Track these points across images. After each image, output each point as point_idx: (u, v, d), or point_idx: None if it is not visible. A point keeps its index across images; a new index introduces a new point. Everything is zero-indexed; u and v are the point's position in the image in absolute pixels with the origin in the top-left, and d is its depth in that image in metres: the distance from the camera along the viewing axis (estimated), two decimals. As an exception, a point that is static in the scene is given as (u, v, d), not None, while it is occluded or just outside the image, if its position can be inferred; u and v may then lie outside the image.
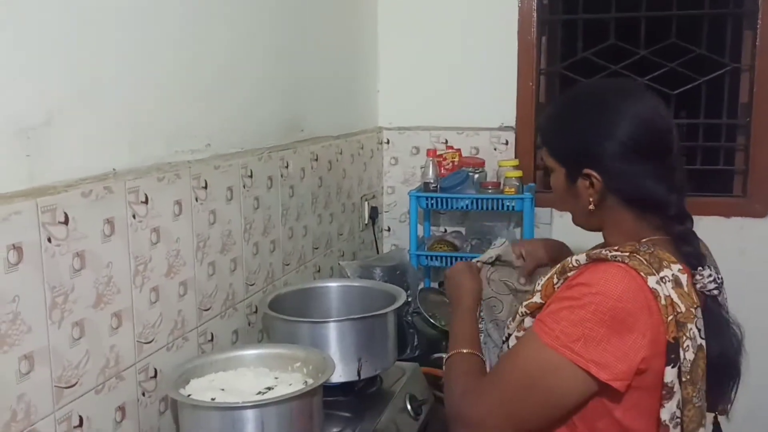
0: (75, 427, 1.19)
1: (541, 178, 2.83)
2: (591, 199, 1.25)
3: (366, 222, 2.71)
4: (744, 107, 2.63)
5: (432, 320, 2.18)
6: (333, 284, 1.90)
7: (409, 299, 2.24)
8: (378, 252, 2.79)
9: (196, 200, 1.54)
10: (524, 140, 2.74)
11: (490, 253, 1.58)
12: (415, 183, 2.85)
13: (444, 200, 2.56)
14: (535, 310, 1.26)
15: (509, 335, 1.32)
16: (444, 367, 1.37)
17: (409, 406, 1.68)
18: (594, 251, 1.22)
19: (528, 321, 1.28)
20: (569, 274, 1.22)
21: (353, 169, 2.55)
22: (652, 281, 1.13)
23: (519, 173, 2.53)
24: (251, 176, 1.78)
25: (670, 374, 1.13)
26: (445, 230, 2.86)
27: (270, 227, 1.90)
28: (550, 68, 2.78)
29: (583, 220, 1.33)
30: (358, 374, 1.62)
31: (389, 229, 2.94)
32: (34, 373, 1.10)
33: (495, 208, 2.52)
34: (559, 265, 1.27)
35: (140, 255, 1.36)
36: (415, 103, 2.84)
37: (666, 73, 2.60)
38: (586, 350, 1.11)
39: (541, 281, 1.29)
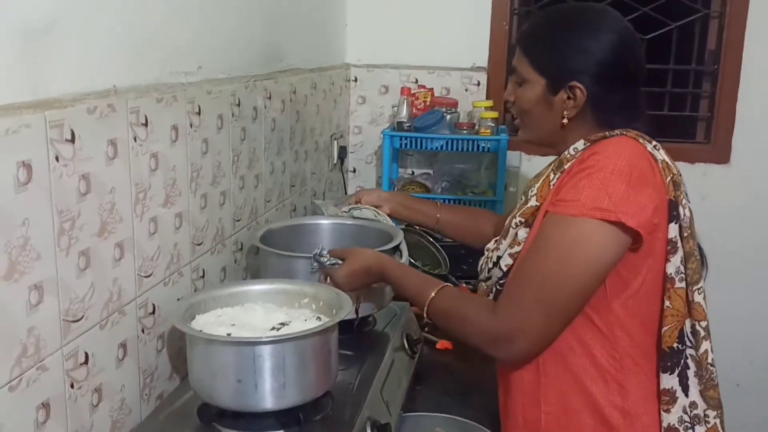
0: (81, 363, 1.10)
1: (510, 121, 2.81)
2: (565, 113, 1.27)
3: (335, 162, 2.63)
4: (711, 54, 2.67)
5: (411, 260, 2.14)
6: (325, 221, 1.82)
7: (386, 240, 2.20)
8: (346, 193, 2.72)
9: (191, 126, 1.44)
10: (496, 81, 2.70)
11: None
12: (383, 123, 2.78)
13: (418, 140, 2.50)
14: (530, 216, 1.28)
15: (499, 257, 1.31)
16: (431, 316, 1.33)
17: (406, 345, 1.65)
18: (589, 137, 1.27)
19: (522, 232, 1.28)
20: (566, 166, 1.26)
21: (325, 105, 2.46)
22: (649, 147, 1.24)
23: (495, 114, 2.49)
24: (239, 105, 1.68)
25: (673, 230, 1.21)
26: (413, 172, 2.81)
27: (254, 161, 1.80)
28: (524, 9, 2.74)
29: (546, 135, 1.33)
30: (356, 312, 1.57)
31: (354, 171, 2.87)
32: (43, 305, 1.00)
33: (470, 149, 2.48)
34: (552, 162, 1.33)
35: (140, 182, 1.25)
36: (385, 40, 2.75)
37: (637, 18, 2.59)
38: (613, 205, 1.14)
39: (534, 186, 1.31)
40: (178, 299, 1.38)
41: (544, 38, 1.31)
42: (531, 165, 2.70)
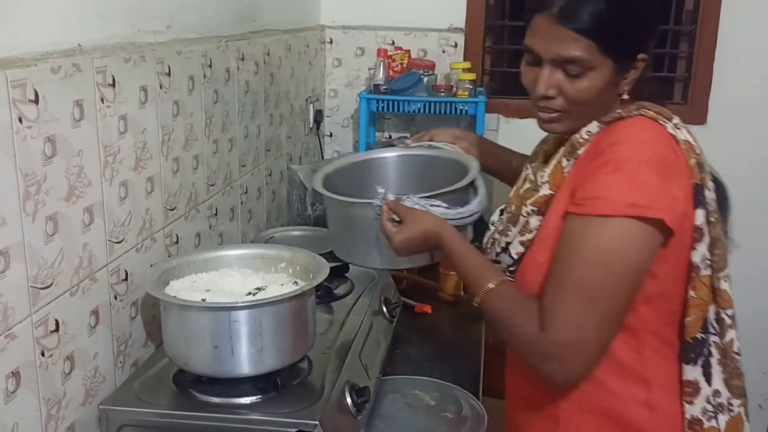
0: (51, 331, 1.07)
1: (487, 83, 2.78)
2: (625, 88, 1.16)
3: (311, 126, 2.59)
4: (689, 14, 2.65)
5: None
6: (391, 154, 1.52)
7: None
8: (322, 158, 2.69)
9: (161, 87, 1.39)
10: (474, 43, 2.67)
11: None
12: (359, 86, 2.74)
13: (395, 103, 2.47)
14: (543, 205, 1.17)
15: (508, 243, 1.22)
16: (482, 307, 1.17)
17: (385, 309, 1.64)
18: (603, 118, 1.16)
19: (535, 220, 1.18)
20: (580, 151, 1.16)
21: (300, 68, 2.41)
22: (670, 127, 1.13)
23: (473, 76, 2.46)
24: (210, 66, 1.63)
25: (700, 216, 1.11)
26: (390, 136, 2.78)
27: (228, 124, 1.76)
28: (501, -32, 2.70)
29: (599, 113, 1.16)
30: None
31: (331, 135, 2.83)
32: (10, 271, 0.97)
33: (447, 112, 2.46)
34: (562, 147, 1.20)
35: (109, 145, 1.21)
36: (361, 1, 2.69)
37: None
38: (648, 200, 1.05)
39: (545, 171, 1.21)
40: (151, 265, 1.35)
41: (608, 17, 1.10)
42: (509, 128, 2.69)
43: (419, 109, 2.47)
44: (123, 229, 1.28)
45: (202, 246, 1.63)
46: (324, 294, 1.60)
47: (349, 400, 1.21)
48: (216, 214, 1.71)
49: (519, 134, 2.77)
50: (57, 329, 1.09)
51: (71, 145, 1.10)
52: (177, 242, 1.50)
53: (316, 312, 1.31)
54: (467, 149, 1.48)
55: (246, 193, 1.93)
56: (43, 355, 1.05)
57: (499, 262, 1.25)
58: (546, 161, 1.26)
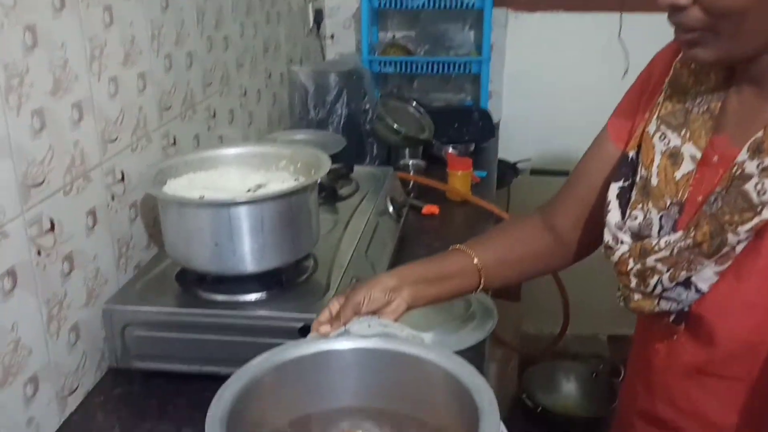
0: (47, 231, 1.04)
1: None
2: None
3: (311, 26, 2.49)
4: None
5: (396, 126, 2.06)
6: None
7: (367, 107, 2.11)
8: (324, 59, 2.60)
9: (148, -22, 1.31)
10: (479, -67, 2.52)
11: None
12: (360, -17, 2.62)
13: (398, -1, 2.36)
14: (762, 229, 0.80)
15: (689, 277, 0.85)
16: None
17: (391, 209, 1.60)
18: None
19: (741, 247, 0.82)
20: None
21: (297, -37, 2.30)
22: None
23: (478, -33, 2.34)
24: (201, -43, 1.54)
25: None
26: (393, 36, 2.68)
27: (221, 21, 1.68)
28: None
29: (757, 46, 0.80)
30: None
31: (333, 37, 2.73)
32: (-4, 167, 0.93)
33: (453, 6, 2.35)
34: (744, 151, 0.81)
35: (94, 37, 1.15)
36: None
37: None
38: None
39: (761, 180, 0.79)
40: (148, 166, 1.31)
41: None
42: (518, 23, 2.57)
43: (423, 5, 2.36)
44: (116, 127, 1.23)
45: (202, 147, 1.58)
46: (328, 195, 1.56)
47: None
48: (214, 116, 1.66)
49: (529, 30, 2.68)
50: (52, 229, 1.06)
51: (53, 36, 1.04)
52: (174, 144, 1.46)
53: (320, 212, 1.27)
54: (413, 297, 0.94)
55: (245, 95, 1.87)
56: (39, 254, 1.02)
57: (651, 292, 0.89)
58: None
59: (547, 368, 2.54)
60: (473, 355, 1.23)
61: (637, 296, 0.91)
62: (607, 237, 0.93)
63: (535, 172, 2.56)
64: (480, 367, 0.84)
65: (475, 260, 1.01)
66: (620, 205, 0.93)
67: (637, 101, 0.96)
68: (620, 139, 0.97)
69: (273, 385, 0.81)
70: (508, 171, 2.46)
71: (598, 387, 2.46)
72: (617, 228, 0.92)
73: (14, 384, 0.98)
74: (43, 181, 1.03)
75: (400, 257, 1.58)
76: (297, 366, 0.82)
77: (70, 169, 1.10)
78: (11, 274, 0.96)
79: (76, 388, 1.13)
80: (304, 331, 1.07)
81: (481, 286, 1.02)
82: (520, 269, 1.08)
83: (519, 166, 2.52)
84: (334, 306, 0.90)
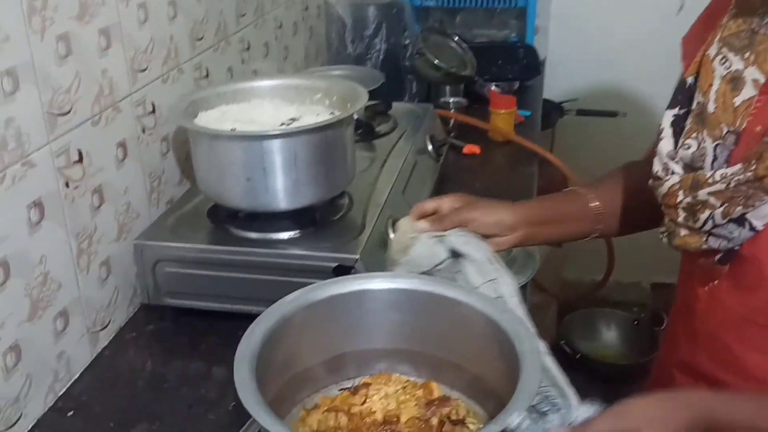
0: (75, 162, 1.01)
1: None
2: None
3: (349, -43, 2.39)
4: None
5: (437, 61, 1.98)
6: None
7: (407, 42, 2.03)
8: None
9: None
10: None
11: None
12: None
13: None
14: None
15: (744, 213, 0.78)
16: None
17: (430, 147, 1.54)
18: None
19: None
20: None
21: None
22: None
23: None
24: None
25: None
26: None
27: (257, -53, 1.61)
28: None
29: None
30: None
31: (372, -30, 2.62)
32: (21, 93, 0.89)
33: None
34: None
35: (122, -41, 1.10)
36: None
37: None
38: None
39: None
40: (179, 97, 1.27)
41: None
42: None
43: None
44: (145, 56, 1.18)
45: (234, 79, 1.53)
46: (365, 132, 1.50)
47: (392, 236, 1.14)
48: (248, 49, 1.60)
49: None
50: (81, 160, 1.02)
51: (76, -44, 0.99)
52: (207, 76, 1.41)
53: (356, 149, 1.22)
54: (525, 238, 0.95)
55: (280, 27, 1.80)
56: (67, 186, 0.99)
57: (701, 228, 0.82)
58: None
59: (587, 315, 2.49)
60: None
61: (683, 232, 0.84)
62: (657, 167, 0.86)
63: (581, 112, 2.45)
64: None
65: (596, 203, 0.98)
66: (674, 133, 0.86)
67: (705, 23, 0.88)
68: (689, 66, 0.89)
69: (305, 324, 0.78)
70: (553, 111, 2.36)
71: (639, 336, 2.41)
72: (669, 157, 0.85)
73: (44, 317, 0.96)
74: (70, 110, 0.99)
75: (439, 198, 1.53)
76: (330, 305, 0.80)
77: (99, 98, 1.06)
78: (38, 205, 0.94)
79: (108, 324, 1.12)
80: (338, 271, 1.03)
81: (596, 234, 0.99)
82: (641, 217, 0.98)
83: (565, 105, 2.42)
84: (433, 205, 0.93)
